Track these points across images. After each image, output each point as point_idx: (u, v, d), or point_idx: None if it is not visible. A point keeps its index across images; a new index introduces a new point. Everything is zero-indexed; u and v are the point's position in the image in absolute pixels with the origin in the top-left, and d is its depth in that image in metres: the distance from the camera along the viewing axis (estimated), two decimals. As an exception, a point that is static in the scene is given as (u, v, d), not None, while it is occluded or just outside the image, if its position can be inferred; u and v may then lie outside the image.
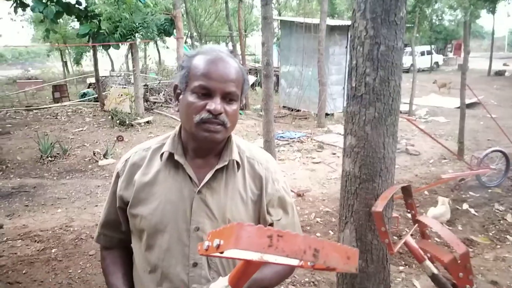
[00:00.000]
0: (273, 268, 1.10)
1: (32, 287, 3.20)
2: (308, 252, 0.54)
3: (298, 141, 8.36)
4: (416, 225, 1.55)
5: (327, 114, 10.16)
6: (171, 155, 1.06)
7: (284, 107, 12.31)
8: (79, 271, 3.48)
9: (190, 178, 1.04)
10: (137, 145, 1.17)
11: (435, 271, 1.43)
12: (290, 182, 5.82)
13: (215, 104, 0.97)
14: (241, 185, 1.08)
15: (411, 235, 1.51)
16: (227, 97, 1.00)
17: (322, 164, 6.82)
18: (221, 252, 0.59)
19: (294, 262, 0.66)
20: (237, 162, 1.08)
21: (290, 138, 8.51)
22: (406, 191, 1.55)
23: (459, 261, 1.33)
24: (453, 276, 1.36)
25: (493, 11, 20.39)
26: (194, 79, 0.99)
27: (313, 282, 3.31)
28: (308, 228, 4.31)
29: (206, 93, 0.98)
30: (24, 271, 3.42)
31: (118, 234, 1.17)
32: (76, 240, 4.03)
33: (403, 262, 3.62)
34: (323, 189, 5.59)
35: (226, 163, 1.06)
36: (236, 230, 0.54)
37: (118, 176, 1.12)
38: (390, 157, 1.51)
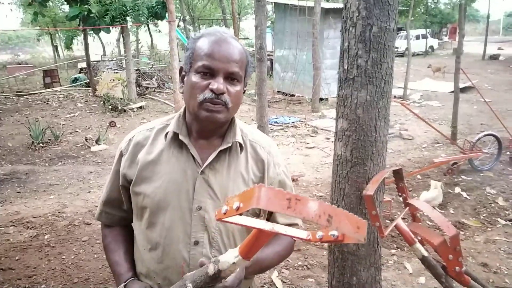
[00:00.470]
0: (274, 249, 1.12)
1: (25, 273, 3.20)
2: (322, 217, 0.56)
3: (292, 126, 8.34)
4: (407, 208, 1.55)
5: (321, 99, 10.12)
6: (175, 135, 1.07)
7: (278, 92, 12.25)
8: (72, 257, 3.48)
9: (194, 158, 1.06)
10: (141, 126, 1.19)
11: (425, 253, 1.43)
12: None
13: (218, 84, 0.98)
14: (243, 167, 1.09)
15: (402, 218, 1.51)
16: (230, 77, 1.01)
17: (316, 149, 6.82)
18: (240, 214, 0.62)
19: (303, 234, 0.70)
20: (240, 144, 1.10)
21: (284, 123, 8.49)
22: (398, 174, 1.54)
23: (449, 244, 1.33)
24: (443, 258, 1.36)
25: (488, -6, 20.25)
26: (198, 59, 1.01)
27: (306, 265, 3.33)
28: (302, 212, 4.32)
29: (209, 73, 1.00)
30: (17, 258, 3.42)
31: (120, 212, 1.19)
32: (69, 226, 4.02)
33: (395, 245, 3.66)
34: (317, 174, 5.60)
35: (229, 144, 1.07)
36: (257, 191, 0.57)
37: (121, 155, 1.13)
38: (382, 141, 1.50)
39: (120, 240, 1.20)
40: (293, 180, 5.28)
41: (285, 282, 3.08)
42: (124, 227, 1.23)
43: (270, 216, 1.17)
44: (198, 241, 1.04)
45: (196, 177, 1.05)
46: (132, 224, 1.19)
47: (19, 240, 3.72)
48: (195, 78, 1.01)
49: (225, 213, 0.64)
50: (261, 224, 0.71)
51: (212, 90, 0.98)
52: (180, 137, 1.06)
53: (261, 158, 1.13)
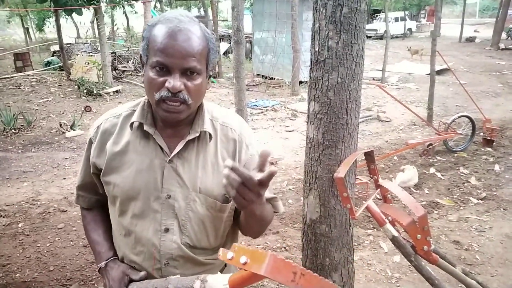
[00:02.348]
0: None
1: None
2: None
3: (272, 110, 8.33)
4: (378, 189, 1.56)
5: (301, 82, 10.11)
6: (141, 125, 1.04)
7: (258, 75, 12.17)
8: (47, 244, 3.42)
9: (161, 148, 1.03)
10: (108, 111, 1.15)
11: (395, 233, 1.46)
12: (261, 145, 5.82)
13: (174, 81, 0.93)
14: (213, 155, 1.07)
15: (373, 199, 1.53)
16: (189, 72, 0.95)
17: (295, 132, 6.84)
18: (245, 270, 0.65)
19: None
20: (209, 133, 1.06)
21: (264, 107, 8.47)
22: (369, 156, 1.55)
23: (417, 224, 1.35)
24: (411, 238, 1.39)
25: (465, -23, 20.43)
26: (153, 54, 0.95)
27: (284, 247, 3.38)
28: (281, 195, 4.36)
29: (165, 70, 0.94)
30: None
31: (96, 195, 1.20)
32: (44, 214, 3.94)
33: (371, 226, 3.73)
34: (296, 157, 5.63)
35: (197, 134, 1.04)
36: (268, 259, 0.59)
37: (91, 143, 1.11)
38: (353, 123, 1.50)
39: (99, 220, 1.21)
40: (272, 163, 5.29)
41: (263, 264, 3.11)
42: (103, 208, 1.22)
43: None
44: (168, 228, 1.04)
45: (164, 166, 1.03)
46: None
47: (-8, 228, 3.63)
48: (151, 73, 0.96)
49: (230, 260, 0.66)
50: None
51: (168, 89, 0.93)
52: (145, 128, 1.03)
53: (232, 140, 1.10)
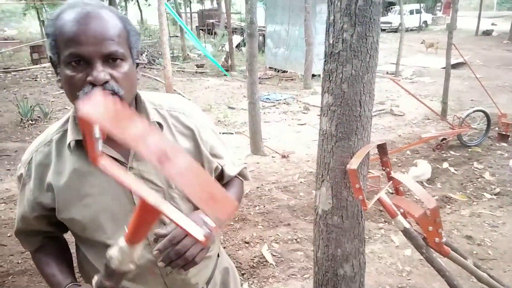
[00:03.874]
0: (232, 190, 1.15)
1: (17, 249, 3.22)
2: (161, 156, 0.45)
3: (284, 103, 8.32)
4: (391, 182, 1.57)
5: (313, 75, 10.07)
6: (79, 143, 0.89)
7: (270, 68, 12.14)
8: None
9: (115, 158, 0.90)
10: (33, 142, 0.99)
11: (407, 225, 1.47)
12: (275, 145, 5.85)
13: (96, 72, 0.80)
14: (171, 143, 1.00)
15: (386, 192, 1.54)
16: (111, 59, 0.83)
17: (307, 125, 6.84)
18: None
19: (197, 233, 0.58)
20: (159, 123, 0.96)
21: (276, 100, 8.47)
22: (382, 149, 1.56)
23: (429, 216, 1.36)
24: (423, 230, 1.40)
25: (484, -32, 19.97)
26: (63, 48, 0.81)
27: (295, 239, 3.41)
28: (292, 188, 4.39)
29: (82, 62, 0.81)
30: (8, 234, 3.44)
31: (39, 235, 1.06)
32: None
33: (383, 219, 3.74)
34: (308, 150, 5.64)
35: None
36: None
37: (24, 184, 0.97)
38: (367, 116, 1.51)
39: (50, 254, 1.05)
40: (284, 156, 5.32)
41: (274, 255, 3.15)
42: (52, 240, 1.09)
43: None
44: (158, 238, 0.95)
45: None
46: (60, 234, 1.10)
47: (10, 217, 3.73)
48: (68, 71, 0.82)
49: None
50: (146, 191, 0.57)
51: (92, 83, 0.80)
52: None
53: (187, 125, 1.02)
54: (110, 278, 0.73)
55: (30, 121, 6.71)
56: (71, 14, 0.81)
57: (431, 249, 1.47)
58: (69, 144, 0.90)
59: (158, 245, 0.82)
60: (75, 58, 0.81)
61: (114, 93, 0.82)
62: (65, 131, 0.93)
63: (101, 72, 0.80)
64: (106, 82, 0.81)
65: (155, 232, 0.84)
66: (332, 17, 1.43)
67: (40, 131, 6.39)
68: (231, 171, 1.14)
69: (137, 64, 0.93)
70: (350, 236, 1.63)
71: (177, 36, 17.36)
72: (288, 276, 2.92)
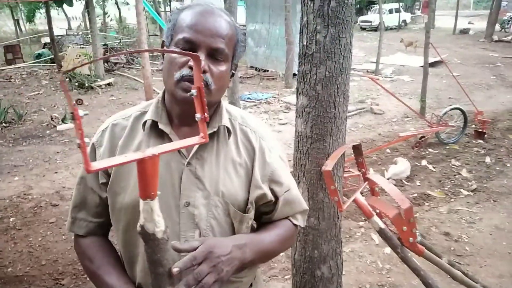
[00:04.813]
0: (272, 231, 1.03)
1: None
2: None
3: (265, 103, 8.31)
4: (366, 182, 1.58)
5: (294, 74, 10.08)
6: (154, 124, 0.95)
7: (251, 67, 12.12)
8: (39, 239, 3.41)
9: (178, 151, 0.94)
10: (115, 114, 1.04)
11: (382, 225, 1.47)
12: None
13: None
14: (234, 153, 0.98)
15: (361, 192, 1.54)
16: (214, 55, 0.89)
17: (288, 125, 6.84)
18: None
19: (194, 140, 0.71)
20: (228, 129, 0.98)
21: (257, 100, 8.45)
22: (357, 150, 1.56)
23: (403, 216, 1.37)
24: (397, 230, 1.41)
25: (460, -32, 20.41)
26: (179, 32, 0.89)
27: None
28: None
29: (190, 48, 0.87)
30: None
31: (96, 217, 1.02)
32: (35, 208, 3.92)
33: (363, 218, 3.76)
34: (289, 150, 5.59)
35: (215, 129, 0.96)
36: None
37: (94, 149, 0.99)
38: (341, 117, 1.50)
39: (107, 251, 1.02)
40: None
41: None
42: (104, 237, 1.06)
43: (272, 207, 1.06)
44: (188, 240, 0.91)
45: (182, 170, 0.93)
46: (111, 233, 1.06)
47: None
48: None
49: None
50: (138, 154, 0.68)
51: (190, 67, 0.85)
52: (160, 126, 0.94)
53: (252, 144, 1.01)
54: (150, 245, 0.75)
55: (3, 124, 6.51)
56: (197, 8, 0.91)
57: (406, 249, 1.48)
58: (145, 122, 0.95)
59: (178, 263, 0.79)
60: (186, 43, 0.87)
61: (206, 84, 0.87)
62: (145, 112, 0.98)
63: (203, 60, 0.85)
64: (204, 72, 0.85)
65: (173, 244, 0.81)
66: (305, 18, 1.42)
67: (14, 134, 6.21)
68: (285, 208, 1.05)
69: (233, 74, 0.98)
70: (327, 238, 1.62)
71: (156, 35, 17.15)
72: (269, 277, 2.90)
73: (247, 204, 0.99)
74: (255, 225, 1.10)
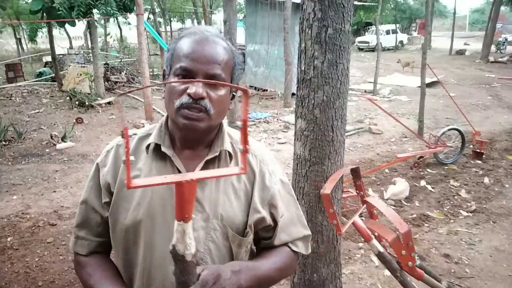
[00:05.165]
0: (270, 260, 1.03)
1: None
2: None
3: (264, 122, 8.35)
4: (364, 205, 1.58)
5: (293, 94, 10.17)
6: (158, 147, 0.98)
7: (250, 86, 12.23)
8: (36, 259, 3.37)
9: (179, 171, 0.96)
10: (119, 137, 1.06)
11: (381, 249, 1.47)
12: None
13: (196, 87, 0.88)
14: (234, 177, 1.00)
15: (360, 215, 1.55)
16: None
17: (287, 144, 6.86)
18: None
19: (235, 170, 0.73)
20: (229, 153, 1.00)
21: (256, 119, 8.50)
22: (355, 173, 1.57)
23: (402, 240, 1.37)
24: (396, 254, 1.41)
25: (454, -9, 20.89)
26: (177, 61, 0.93)
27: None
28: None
29: (188, 76, 0.91)
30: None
31: (98, 237, 1.04)
32: (33, 228, 3.89)
33: (362, 239, 3.74)
34: (288, 169, 5.64)
35: (216, 153, 0.98)
36: None
37: (98, 169, 1.02)
38: (339, 140, 1.52)
39: (107, 267, 1.04)
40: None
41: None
42: (106, 255, 1.08)
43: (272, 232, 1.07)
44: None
45: None
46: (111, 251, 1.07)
47: None
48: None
49: None
50: (177, 177, 0.72)
51: (189, 95, 0.88)
52: (163, 149, 0.96)
53: (252, 167, 1.03)
54: (179, 266, 0.78)
55: (3, 142, 6.51)
56: (192, 36, 0.93)
57: (405, 273, 1.48)
58: (148, 145, 0.98)
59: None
60: (183, 71, 0.91)
61: (205, 110, 0.90)
62: (149, 134, 1.02)
63: (200, 88, 0.88)
64: (202, 98, 0.89)
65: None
66: (303, 44, 1.45)
67: (13, 152, 6.21)
68: (283, 233, 1.06)
69: (233, 96, 1.00)
70: (326, 261, 1.62)
71: (157, 55, 17.37)
72: None
73: (246, 227, 0.99)
74: (255, 250, 1.10)
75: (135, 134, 1.04)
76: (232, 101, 1.01)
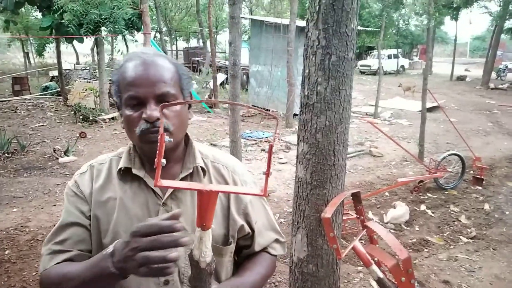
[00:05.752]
0: (255, 269, 1.07)
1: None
2: None
3: (266, 141, 8.40)
4: (365, 230, 1.60)
5: (295, 115, 10.25)
6: (128, 170, 1.00)
7: (253, 105, 12.33)
8: (33, 273, 3.36)
9: (153, 190, 0.98)
10: (94, 159, 1.09)
11: (381, 275, 1.48)
12: (257, 183, 5.85)
13: (149, 111, 0.90)
14: None
15: (360, 239, 1.56)
16: (164, 99, 0.93)
17: (288, 164, 6.88)
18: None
19: (255, 190, 0.77)
20: (202, 168, 1.03)
21: (258, 138, 8.55)
22: (356, 197, 1.59)
23: (401, 266, 1.38)
24: (396, 280, 1.41)
25: (456, 18, 21.29)
26: (124, 92, 0.94)
27: (273, 283, 3.34)
28: (272, 228, 4.35)
29: (139, 103, 0.92)
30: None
31: (70, 248, 1.01)
32: (32, 241, 3.88)
33: (361, 263, 3.71)
34: (288, 190, 5.65)
35: (190, 171, 1.01)
36: None
37: (72, 194, 1.02)
38: (341, 164, 1.55)
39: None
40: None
41: (251, 300, 3.06)
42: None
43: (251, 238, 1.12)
44: (168, 280, 0.96)
45: (157, 210, 0.97)
46: None
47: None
48: (127, 111, 0.94)
49: None
50: (199, 185, 0.76)
51: (146, 120, 0.91)
52: (134, 171, 0.99)
53: (226, 179, 1.07)
54: (193, 271, 0.82)
55: (6, 154, 6.55)
56: (131, 62, 0.94)
57: (405, 299, 1.48)
58: (120, 170, 1.00)
59: None
60: (133, 99, 0.92)
61: (165, 129, 0.89)
62: (119, 158, 1.04)
63: (153, 110, 0.90)
64: (158, 119, 0.90)
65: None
66: (307, 70, 1.50)
67: (16, 165, 6.24)
68: (261, 239, 1.11)
69: (189, 105, 1.03)
70: (325, 285, 1.62)
71: (162, 72, 17.56)
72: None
73: (227, 238, 1.04)
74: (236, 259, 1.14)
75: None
76: (190, 111, 1.04)
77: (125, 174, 1.00)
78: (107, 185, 1.01)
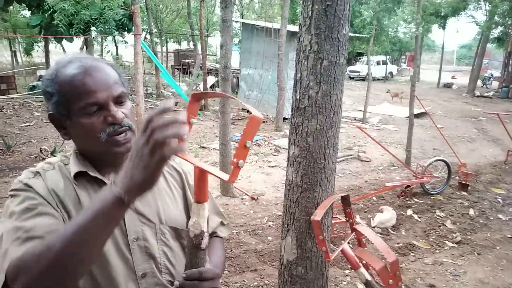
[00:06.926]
0: (220, 253, 1.15)
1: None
2: None
3: (255, 145, 8.41)
4: (353, 233, 1.61)
5: (285, 119, 10.30)
6: (83, 173, 0.96)
7: (243, 109, 12.35)
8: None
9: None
10: (31, 168, 0.99)
11: (369, 277, 1.50)
12: (246, 186, 5.86)
13: (115, 113, 0.91)
14: (164, 183, 1.08)
15: (348, 242, 1.58)
16: (120, 99, 0.94)
17: (277, 168, 6.91)
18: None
19: (224, 176, 0.81)
20: None
21: (248, 141, 8.55)
22: (345, 200, 1.61)
23: (389, 269, 1.40)
24: (383, 283, 1.43)
25: (443, 27, 21.69)
26: (77, 101, 0.90)
27: (261, 285, 3.34)
28: (260, 231, 4.36)
29: (99, 108, 0.91)
30: None
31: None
32: (16, 243, 3.81)
33: (349, 266, 3.74)
34: (277, 193, 5.66)
35: None
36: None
37: (26, 189, 0.92)
38: (331, 168, 1.57)
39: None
40: (253, 198, 5.31)
41: (239, 303, 3.06)
42: None
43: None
44: (145, 272, 0.98)
45: None
46: None
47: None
48: (85, 119, 0.90)
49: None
50: (197, 162, 0.83)
51: (113, 123, 0.91)
52: (92, 174, 0.96)
53: (176, 169, 1.13)
54: (187, 244, 0.88)
55: (-9, 154, 6.44)
56: (72, 70, 0.90)
57: (392, 302, 1.50)
58: (75, 174, 0.96)
59: (187, 271, 0.89)
60: (93, 105, 0.90)
61: (129, 128, 0.94)
62: (65, 164, 0.99)
63: (118, 112, 0.91)
64: (124, 118, 0.93)
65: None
66: (299, 75, 1.51)
67: (1, 165, 6.13)
68: (211, 222, 1.16)
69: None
70: (314, 287, 1.63)
71: (152, 74, 17.50)
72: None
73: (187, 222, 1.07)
74: None
75: (51, 165, 0.98)
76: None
77: (80, 178, 0.97)
78: (64, 190, 0.94)
